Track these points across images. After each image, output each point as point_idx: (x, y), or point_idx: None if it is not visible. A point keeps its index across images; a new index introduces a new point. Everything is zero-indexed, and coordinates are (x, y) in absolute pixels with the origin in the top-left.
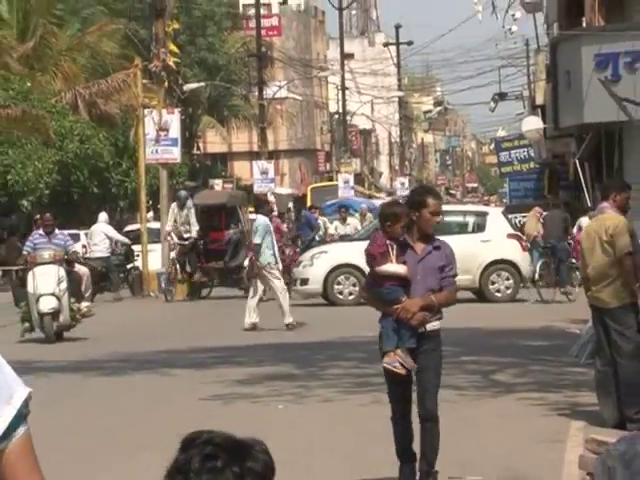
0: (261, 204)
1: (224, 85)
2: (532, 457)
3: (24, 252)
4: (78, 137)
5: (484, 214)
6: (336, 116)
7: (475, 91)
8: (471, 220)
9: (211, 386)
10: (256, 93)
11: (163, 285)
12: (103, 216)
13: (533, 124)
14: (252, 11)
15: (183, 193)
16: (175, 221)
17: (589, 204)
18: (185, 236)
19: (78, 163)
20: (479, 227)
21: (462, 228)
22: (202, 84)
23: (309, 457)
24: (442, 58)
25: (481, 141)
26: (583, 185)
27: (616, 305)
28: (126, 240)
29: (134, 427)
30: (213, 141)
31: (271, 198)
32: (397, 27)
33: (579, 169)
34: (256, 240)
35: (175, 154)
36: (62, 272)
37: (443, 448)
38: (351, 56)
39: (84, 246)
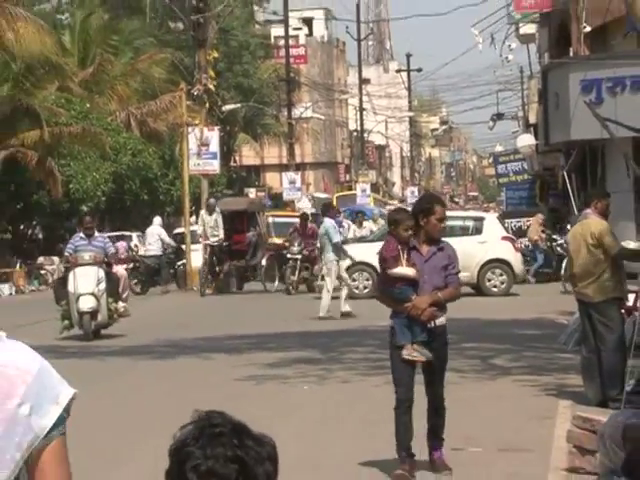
0: (327, 208)
1: (257, 106)
2: (525, 432)
3: (65, 254)
4: (131, 151)
5: (481, 219)
6: (355, 133)
7: (476, 112)
8: (470, 224)
9: (244, 368)
10: (285, 113)
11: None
12: (157, 220)
13: (527, 140)
14: (282, 42)
15: (212, 201)
16: (204, 225)
17: (575, 211)
18: (213, 238)
19: (130, 174)
20: (477, 230)
21: (463, 231)
22: (238, 105)
23: (331, 430)
24: (447, 83)
25: (481, 155)
26: (570, 194)
27: (600, 299)
28: (173, 243)
29: (175, 404)
30: (248, 155)
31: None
32: (408, 56)
33: (567, 180)
34: (336, 239)
35: (215, 166)
36: (101, 273)
37: (448, 422)
38: (368, 81)
39: (136, 245)
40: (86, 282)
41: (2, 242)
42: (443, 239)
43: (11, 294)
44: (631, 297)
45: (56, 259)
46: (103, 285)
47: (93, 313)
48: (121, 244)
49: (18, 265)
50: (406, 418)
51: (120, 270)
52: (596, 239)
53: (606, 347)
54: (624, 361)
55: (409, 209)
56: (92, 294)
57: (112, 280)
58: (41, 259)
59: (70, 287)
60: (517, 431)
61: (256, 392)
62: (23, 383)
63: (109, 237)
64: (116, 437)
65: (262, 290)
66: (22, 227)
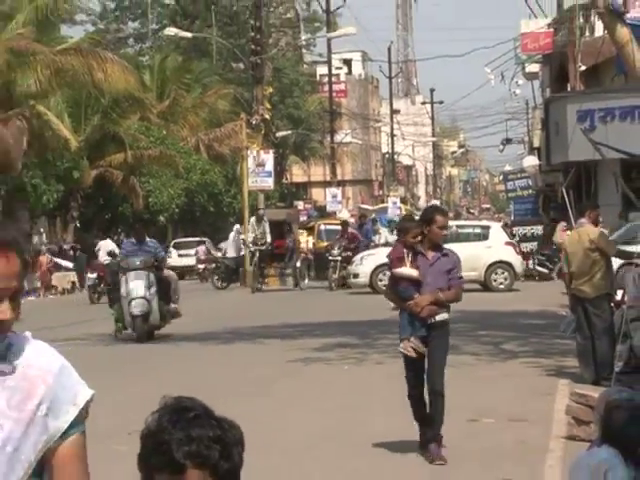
0: (592, 206)
1: (305, 133)
2: (530, 405)
3: (118, 259)
4: (199, 170)
5: (488, 227)
6: (386, 155)
7: (488, 137)
8: (479, 231)
9: (295, 352)
10: (328, 139)
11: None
12: (237, 227)
13: (531, 161)
14: (326, 79)
15: (261, 211)
16: (254, 232)
17: (573, 221)
18: (260, 243)
19: (199, 189)
20: (484, 237)
21: (473, 237)
22: (289, 132)
23: (367, 403)
24: (464, 113)
25: (493, 174)
26: (568, 206)
27: (594, 295)
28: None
29: (236, 380)
30: (297, 173)
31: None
32: (431, 90)
33: (565, 195)
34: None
35: (270, 183)
36: (152, 277)
37: (466, 398)
38: (398, 112)
39: (208, 250)
40: (137, 286)
41: (94, 247)
42: (457, 244)
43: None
44: (619, 292)
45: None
46: (154, 289)
47: (145, 316)
48: (201, 248)
49: None
50: (418, 402)
51: (171, 274)
52: (594, 244)
53: (598, 335)
54: (613, 346)
55: (417, 218)
56: (144, 297)
57: (163, 283)
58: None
59: (122, 291)
60: (523, 405)
61: (304, 372)
62: (43, 383)
63: (190, 242)
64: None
65: (296, 288)
66: (110, 234)
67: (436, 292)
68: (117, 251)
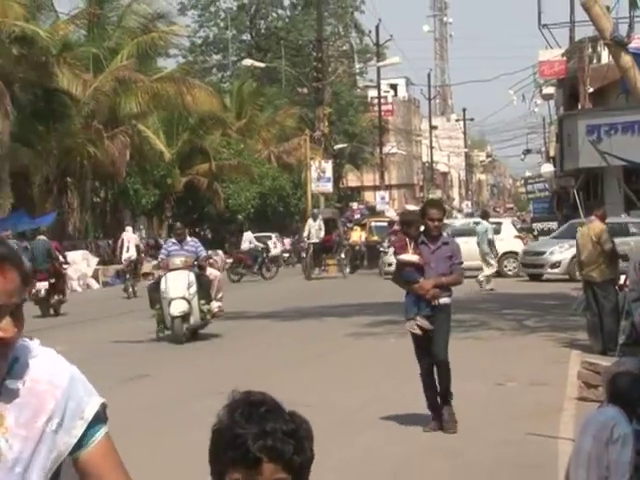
0: (486, 214)
1: (358, 145)
2: (548, 372)
3: (159, 258)
4: (271, 177)
5: (500, 223)
6: (426, 164)
7: (512, 148)
8: (493, 227)
9: (349, 327)
10: (378, 150)
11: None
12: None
13: (548, 168)
14: (376, 100)
15: (315, 210)
16: (309, 228)
17: (582, 217)
18: (316, 238)
19: (271, 193)
20: (497, 231)
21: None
22: (345, 145)
23: (410, 371)
24: (491, 128)
25: (515, 179)
26: (579, 206)
27: (601, 280)
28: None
29: (298, 350)
30: (352, 179)
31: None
32: (464, 109)
33: (576, 196)
34: (490, 236)
35: (329, 187)
36: (192, 277)
37: (493, 365)
38: (435, 127)
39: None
40: (177, 286)
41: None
42: (468, 239)
43: None
44: (622, 277)
45: (220, 252)
46: (194, 288)
47: (185, 316)
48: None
49: None
50: (429, 379)
51: (214, 272)
52: (597, 237)
53: (605, 313)
54: (618, 322)
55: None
56: (183, 298)
57: (204, 283)
58: (210, 252)
59: (163, 291)
60: (542, 371)
61: (357, 344)
62: (52, 398)
63: (263, 236)
64: (268, 370)
65: (339, 277)
66: (197, 230)
67: (439, 277)
68: (255, 243)
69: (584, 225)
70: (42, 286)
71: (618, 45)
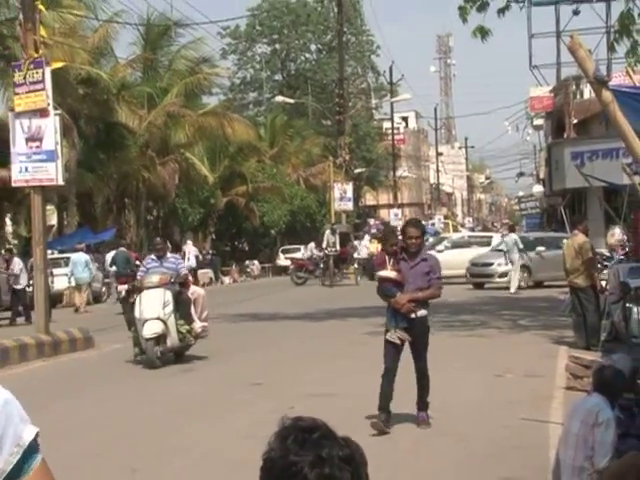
0: (512, 228)
1: (375, 169)
2: (540, 364)
3: (138, 276)
4: (299, 197)
5: (490, 237)
6: (433, 185)
7: (507, 172)
8: (485, 240)
9: (367, 327)
10: (391, 174)
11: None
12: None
13: (538, 189)
14: (389, 131)
15: (335, 226)
16: (327, 241)
17: (568, 231)
18: (333, 249)
19: (299, 211)
20: (488, 243)
21: (482, 243)
22: (364, 169)
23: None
24: (489, 154)
25: (510, 198)
26: (565, 221)
27: (583, 285)
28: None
29: (322, 346)
30: (369, 198)
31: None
32: (466, 138)
33: (563, 212)
34: (521, 246)
35: (350, 206)
36: (168, 295)
37: (493, 359)
38: (441, 154)
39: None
40: (151, 306)
41: (225, 252)
42: (465, 250)
43: (229, 283)
44: (603, 283)
45: (255, 261)
46: (170, 307)
47: (160, 338)
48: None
49: (234, 266)
50: (387, 385)
51: (197, 290)
52: (580, 248)
53: (589, 314)
54: (600, 321)
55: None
56: (158, 318)
57: (183, 302)
58: (247, 262)
59: (136, 312)
60: (535, 364)
61: (373, 340)
62: None
63: (293, 248)
64: (300, 362)
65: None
66: (236, 243)
67: (415, 292)
68: (315, 253)
69: (569, 238)
70: (122, 288)
71: (600, 83)
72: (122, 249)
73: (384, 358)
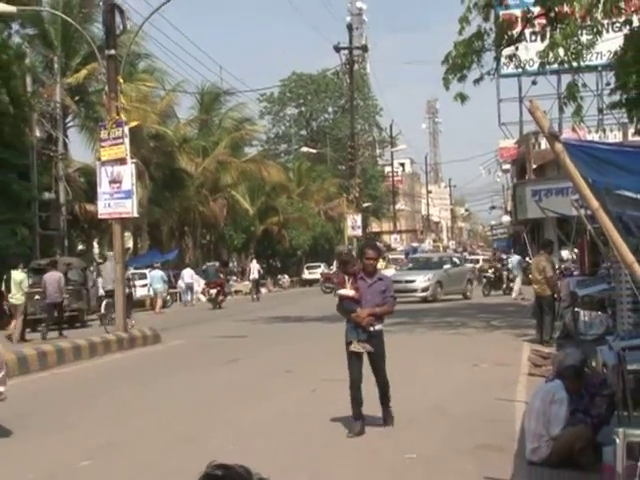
0: (549, 242)
1: (379, 204)
2: (508, 356)
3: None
4: (320, 226)
5: (453, 256)
6: (424, 216)
7: (482, 205)
8: (454, 259)
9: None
10: (392, 207)
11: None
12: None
13: (506, 218)
14: (390, 174)
15: (341, 247)
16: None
17: (530, 254)
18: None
19: (320, 237)
20: (460, 264)
21: (453, 263)
22: (370, 204)
23: (416, 356)
24: (468, 192)
25: (485, 226)
26: (527, 244)
27: (545, 295)
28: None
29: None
30: (374, 226)
31: (400, 249)
32: (449, 179)
33: (525, 237)
34: (524, 265)
35: (359, 232)
36: None
37: (471, 352)
38: (430, 192)
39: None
40: None
41: (262, 269)
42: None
43: (266, 293)
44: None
45: (286, 275)
46: None
47: None
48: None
49: (269, 279)
50: (356, 393)
51: None
52: (543, 267)
53: (546, 316)
54: (554, 322)
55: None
56: None
57: None
58: (279, 276)
59: None
60: (504, 356)
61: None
62: None
63: (315, 265)
64: (314, 356)
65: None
66: (270, 261)
67: (373, 308)
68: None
69: (535, 257)
70: (213, 292)
71: (553, 137)
72: (211, 264)
73: (349, 370)
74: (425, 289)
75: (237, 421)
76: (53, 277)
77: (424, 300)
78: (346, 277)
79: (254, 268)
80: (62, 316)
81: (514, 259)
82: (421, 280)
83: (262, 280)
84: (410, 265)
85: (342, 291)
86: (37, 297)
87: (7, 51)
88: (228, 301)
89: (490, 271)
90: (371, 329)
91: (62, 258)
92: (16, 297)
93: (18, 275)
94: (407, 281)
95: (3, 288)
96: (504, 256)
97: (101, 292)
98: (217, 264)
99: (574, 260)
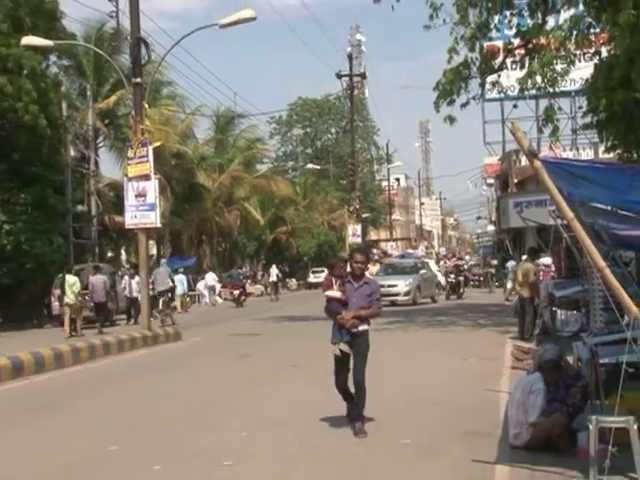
0: (512, 257)
1: (377, 214)
2: (493, 351)
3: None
4: (324, 234)
5: (427, 262)
6: (417, 225)
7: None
8: (426, 264)
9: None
10: (388, 218)
11: None
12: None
13: (491, 227)
14: (386, 188)
15: (343, 254)
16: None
17: (513, 260)
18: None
19: (324, 244)
20: (425, 267)
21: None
22: (369, 214)
23: (411, 351)
24: (457, 204)
25: (472, 234)
26: (510, 251)
27: (526, 296)
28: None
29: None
30: (373, 235)
31: (395, 254)
32: (440, 192)
33: (508, 245)
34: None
35: (359, 240)
36: None
37: (460, 348)
38: (423, 203)
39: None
40: None
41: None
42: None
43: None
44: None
45: (294, 279)
46: None
47: None
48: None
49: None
50: (343, 392)
51: None
52: (525, 272)
53: (527, 315)
54: (534, 321)
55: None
56: None
57: None
58: (287, 280)
59: None
60: (490, 351)
61: (373, 335)
62: None
63: (320, 270)
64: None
65: None
66: (280, 266)
67: (358, 310)
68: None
69: (521, 262)
70: (237, 292)
71: (532, 155)
72: (235, 271)
73: (335, 375)
74: (407, 293)
75: (249, 408)
76: (99, 280)
77: (403, 304)
78: (333, 279)
79: (273, 272)
80: (107, 314)
81: (510, 264)
82: (402, 285)
83: (280, 282)
84: (388, 270)
85: (329, 292)
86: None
87: (45, 80)
88: (248, 301)
89: (452, 276)
90: (354, 330)
91: (93, 264)
92: (70, 298)
93: (71, 278)
94: (390, 285)
95: (57, 290)
96: (494, 262)
97: (127, 294)
98: (240, 270)
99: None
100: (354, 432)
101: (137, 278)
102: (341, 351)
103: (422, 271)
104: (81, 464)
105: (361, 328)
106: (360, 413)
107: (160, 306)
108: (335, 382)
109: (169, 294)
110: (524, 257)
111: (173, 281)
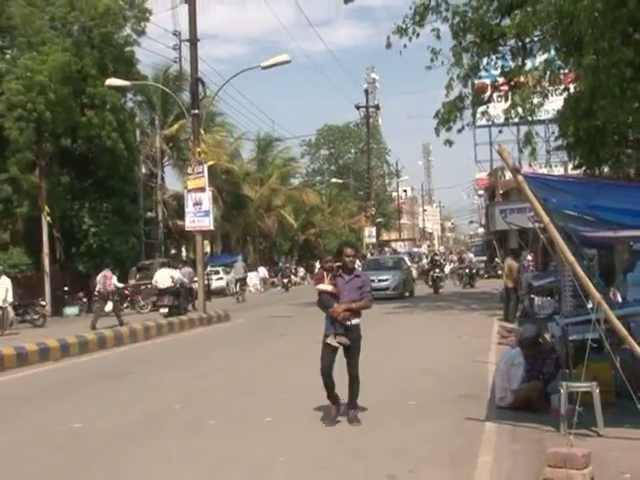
0: (516, 250)
1: (388, 219)
2: (483, 330)
3: None
4: (345, 235)
5: (403, 258)
6: (421, 228)
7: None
8: (404, 259)
9: (384, 310)
10: (397, 222)
11: None
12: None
13: (481, 230)
14: (396, 199)
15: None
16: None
17: (499, 257)
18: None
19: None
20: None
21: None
22: (382, 219)
23: (414, 334)
24: (454, 210)
25: (465, 235)
26: (497, 249)
27: (511, 286)
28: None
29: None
30: (385, 235)
31: (402, 252)
32: (439, 201)
33: (495, 245)
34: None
35: (374, 240)
36: None
37: (455, 328)
38: (426, 210)
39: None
40: None
41: (304, 268)
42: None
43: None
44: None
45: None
46: None
47: None
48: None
49: (308, 275)
50: (328, 380)
51: None
52: (510, 268)
53: (511, 301)
54: (516, 306)
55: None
56: None
57: None
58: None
59: None
60: (480, 329)
61: (384, 317)
62: None
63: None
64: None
65: None
66: (310, 262)
67: (350, 303)
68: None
69: (507, 259)
70: (285, 280)
71: (515, 171)
72: (285, 265)
73: (321, 360)
74: (396, 287)
75: (284, 376)
76: (187, 271)
77: (390, 297)
78: (325, 273)
79: (317, 267)
80: (193, 299)
81: (511, 261)
82: (391, 280)
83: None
84: (371, 265)
85: (320, 286)
86: (143, 287)
87: (123, 113)
88: (291, 288)
89: (437, 270)
90: (348, 323)
91: (160, 259)
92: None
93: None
94: (380, 280)
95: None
96: (472, 257)
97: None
98: (287, 265)
99: (530, 261)
100: (348, 420)
101: (183, 270)
102: (338, 342)
103: (405, 266)
104: (153, 417)
105: (354, 322)
106: (354, 402)
107: (237, 288)
108: (321, 367)
109: (244, 280)
110: (510, 256)
111: (246, 272)
